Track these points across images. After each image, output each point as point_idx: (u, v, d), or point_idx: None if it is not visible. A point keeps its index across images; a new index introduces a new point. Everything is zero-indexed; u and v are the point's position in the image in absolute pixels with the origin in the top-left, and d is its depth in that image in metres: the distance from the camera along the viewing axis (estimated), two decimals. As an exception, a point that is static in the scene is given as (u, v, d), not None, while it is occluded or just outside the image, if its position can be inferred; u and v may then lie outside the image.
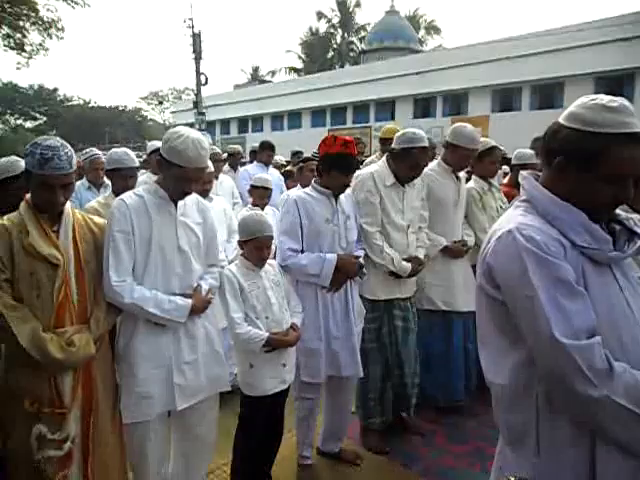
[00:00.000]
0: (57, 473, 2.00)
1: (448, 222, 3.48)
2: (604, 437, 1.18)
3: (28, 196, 2.06)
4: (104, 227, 2.22)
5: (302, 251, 2.73)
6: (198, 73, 22.99)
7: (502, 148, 4.10)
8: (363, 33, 37.47)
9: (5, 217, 2.02)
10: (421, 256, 3.17)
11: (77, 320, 2.05)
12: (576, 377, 1.13)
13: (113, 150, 3.41)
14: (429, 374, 3.41)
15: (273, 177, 5.07)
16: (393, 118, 22.57)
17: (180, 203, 2.30)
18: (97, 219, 2.27)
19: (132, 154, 3.36)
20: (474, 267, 3.63)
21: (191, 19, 23.00)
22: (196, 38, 22.94)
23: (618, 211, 1.34)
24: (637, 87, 16.35)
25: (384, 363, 3.15)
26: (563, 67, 17.10)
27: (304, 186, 3.19)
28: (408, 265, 3.04)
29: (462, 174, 3.61)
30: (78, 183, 4.56)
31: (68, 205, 2.09)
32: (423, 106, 22.82)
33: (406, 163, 3.02)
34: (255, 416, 2.56)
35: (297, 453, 2.98)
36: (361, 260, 2.86)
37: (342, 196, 2.84)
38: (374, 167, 3.13)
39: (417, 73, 21.67)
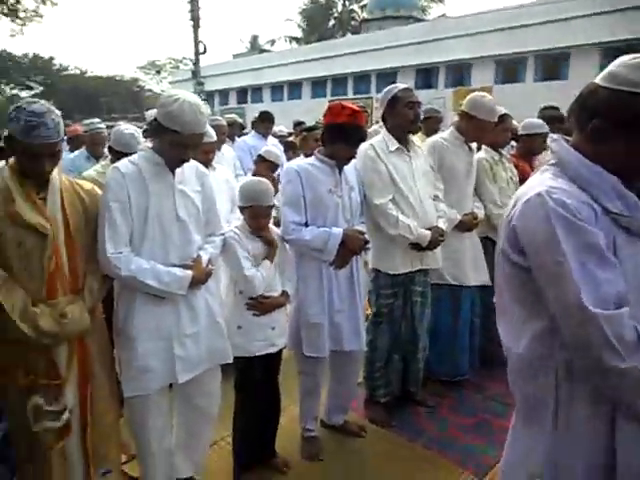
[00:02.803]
0: (56, 443, 1.97)
1: (459, 194, 3.37)
2: (626, 410, 1.15)
3: (12, 161, 1.95)
4: (93, 192, 2.13)
5: (306, 224, 2.64)
6: (196, 42, 22.46)
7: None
8: (364, 1, 36.61)
9: None
10: (442, 226, 3.04)
11: (70, 290, 1.98)
12: (604, 348, 1.08)
13: (120, 131, 3.25)
14: (435, 348, 3.37)
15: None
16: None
17: (178, 171, 2.20)
18: (85, 184, 2.17)
19: (139, 135, 3.25)
20: (482, 239, 3.57)
21: (187, -15, 22.37)
22: (194, 5, 22.37)
23: None
24: (645, 58, 16.00)
25: (393, 336, 3.11)
26: (569, 37, 16.68)
27: (307, 156, 3.09)
28: (427, 233, 2.92)
29: (474, 144, 3.50)
30: (77, 152, 4.49)
31: (55, 171, 1.99)
32: (425, 77, 22.40)
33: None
34: (248, 379, 2.55)
35: (301, 426, 2.95)
36: (366, 236, 2.77)
37: (346, 167, 2.73)
38: (374, 139, 3.02)
39: (419, 43, 21.21)
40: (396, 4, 28.49)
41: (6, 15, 14.76)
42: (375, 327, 3.09)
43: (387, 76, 23.24)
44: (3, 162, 1.97)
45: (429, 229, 2.95)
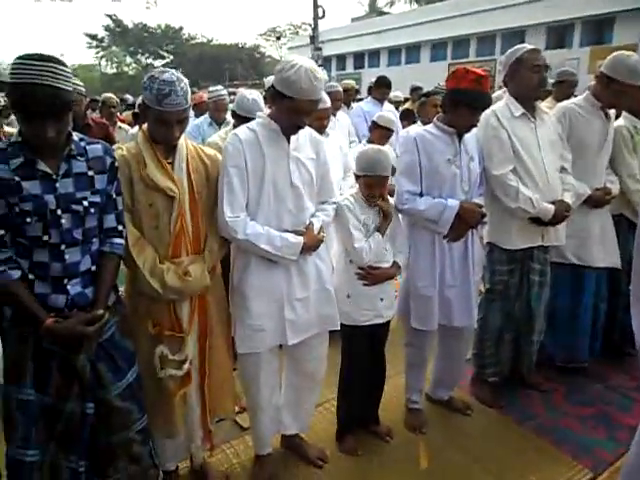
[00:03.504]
0: (178, 389, 2.15)
1: (590, 166, 3.05)
2: None
3: (145, 127, 2.09)
4: (215, 158, 2.22)
5: (421, 194, 2.56)
6: (315, 6, 22.47)
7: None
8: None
9: (124, 147, 2.08)
10: (568, 200, 2.79)
11: (192, 250, 2.11)
12: None
13: (244, 96, 3.33)
14: (551, 331, 3.16)
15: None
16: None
17: (293, 138, 2.22)
18: (208, 150, 2.27)
19: (261, 100, 3.33)
20: (615, 217, 3.23)
21: (309, -52, 22.28)
22: (314, -31, 22.30)
23: None
24: None
25: (506, 315, 2.96)
26: None
27: (425, 123, 2.97)
28: (551, 207, 2.71)
29: (612, 111, 3.14)
30: (201, 118, 4.73)
31: (182, 137, 2.10)
32: (557, 35, 20.47)
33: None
34: (354, 347, 2.58)
35: (405, 396, 2.95)
36: (483, 210, 2.63)
37: (467, 135, 2.58)
38: (497, 104, 2.81)
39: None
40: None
41: (142, -12, 15.77)
42: (488, 304, 2.96)
43: (514, 36, 21.56)
44: (137, 128, 2.12)
45: (553, 203, 2.73)
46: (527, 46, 2.76)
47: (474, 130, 2.62)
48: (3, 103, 3.96)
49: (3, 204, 1.67)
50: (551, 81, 4.71)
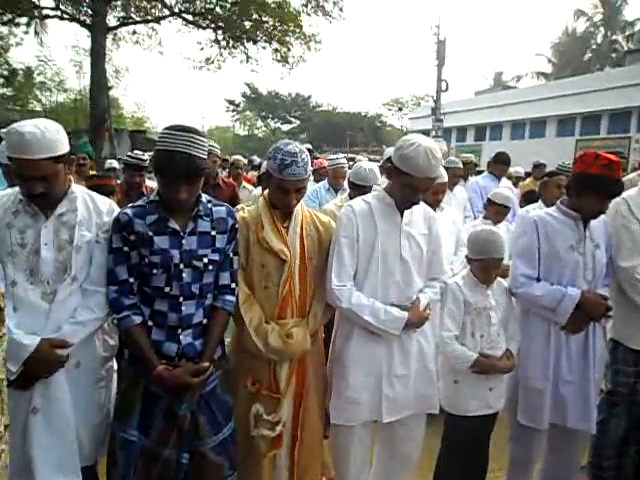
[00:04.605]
0: (269, 451, 2.15)
1: None
2: None
3: (266, 192, 2.23)
4: (328, 225, 2.30)
5: (538, 279, 2.43)
6: (439, 79, 23.02)
7: None
8: (629, 31, 32.77)
9: (246, 210, 2.23)
10: None
11: (297, 313, 2.17)
12: None
13: (360, 167, 3.49)
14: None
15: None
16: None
17: (406, 212, 2.25)
18: (322, 217, 2.36)
19: (376, 171, 3.46)
20: None
21: (437, 26, 23.13)
22: (440, 45, 23.00)
23: None
24: None
25: (631, 423, 2.62)
26: None
27: (547, 204, 2.84)
28: None
29: None
30: (320, 184, 4.94)
31: (299, 203, 2.21)
32: None
33: None
34: (457, 437, 2.43)
35: (505, 498, 2.68)
36: (609, 302, 2.42)
37: (593, 222, 2.43)
38: (629, 192, 2.61)
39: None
40: (671, 32, 24.82)
41: (279, 61, 17.20)
42: (608, 408, 2.64)
43: (653, 113, 20.29)
44: (260, 188, 2.28)
45: None
46: None
47: (602, 217, 2.46)
48: (149, 159, 4.47)
49: (136, 255, 1.86)
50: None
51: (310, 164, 2.14)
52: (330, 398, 2.29)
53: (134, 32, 17.72)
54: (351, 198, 3.24)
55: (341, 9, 16.34)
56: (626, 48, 31.38)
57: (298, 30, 16.47)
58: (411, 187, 2.13)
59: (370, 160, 6.31)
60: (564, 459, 2.62)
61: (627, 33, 33.58)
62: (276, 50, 16.94)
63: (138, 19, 16.80)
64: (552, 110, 24.30)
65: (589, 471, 2.79)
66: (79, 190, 1.97)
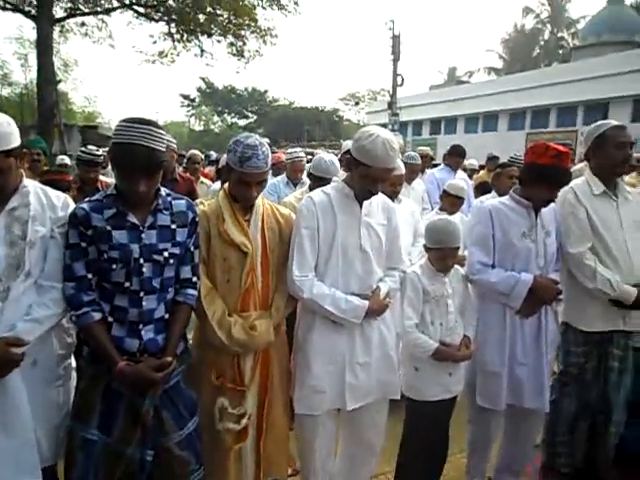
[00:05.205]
0: (234, 444, 2.15)
1: None
2: None
3: (226, 186, 2.23)
4: (289, 217, 2.31)
5: (493, 266, 2.51)
6: (395, 74, 23.32)
7: None
8: (574, 28, 34.10)
9: (206, 203, 2.22)
10: None
11: (260, 306, 2.18)
12: None
13: (321, 158, 3.50)
14: (634, 425, 2.88)
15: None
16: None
17: (365, 203, 2.28)
18: (283, 209, 2.38)
19: (337, 163, 3.48)
20: None
21: (392, 21, 23.41)
22: (395, 40, 23.28)
23: None
24: None
25: (582, 401, 2.75)
26: None
27: (500, 194, 2.94)
28: (633, 290, 2.53)
29: None
30: (278, 178, 4.93)
31: (259, 196, 2.21)
32: (644, 108, 19.82)
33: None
34: (419, 422, 2.47)
35: (466, 478, 2.77)
36: (559, 286, 2.53)
37: (544, 210, 2.53)
38: (576, 181, 2.73)
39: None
40: (614, 29, 25.94)
41: (235, 55, 17.00)
42: (560, 387, 2.77)
43: (596, 107, 21.16)
44: (219, 184, 2.26)
45: (636, 286, 2.57)
46: (612, 122, 2.69)
47: (552, 205, 2.56)
48: (103, 155, 4.37)
49: (94, 250, 1.82)
50: (637, 155, 4.54)
51: (270, 157, 2.14)
52: (294, 389, 2.30)
53: (83, 24, 17.09)
54: (311, 190, 3.27)
55: (296, 3, 16.25)
56: (572, 45, 32.60)
57: (253, 24, 16.29)
58: (370, 178, 2.16)
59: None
60: (521, 438, 2.72)
61: (572, 30, 34.91)
62: (231, 44, 16.71)
63: (86, 10, 16.14)
64: (504, 104, 25.05)
65: (543, 448, 2.91)
66: (32, 185, 1.91)
